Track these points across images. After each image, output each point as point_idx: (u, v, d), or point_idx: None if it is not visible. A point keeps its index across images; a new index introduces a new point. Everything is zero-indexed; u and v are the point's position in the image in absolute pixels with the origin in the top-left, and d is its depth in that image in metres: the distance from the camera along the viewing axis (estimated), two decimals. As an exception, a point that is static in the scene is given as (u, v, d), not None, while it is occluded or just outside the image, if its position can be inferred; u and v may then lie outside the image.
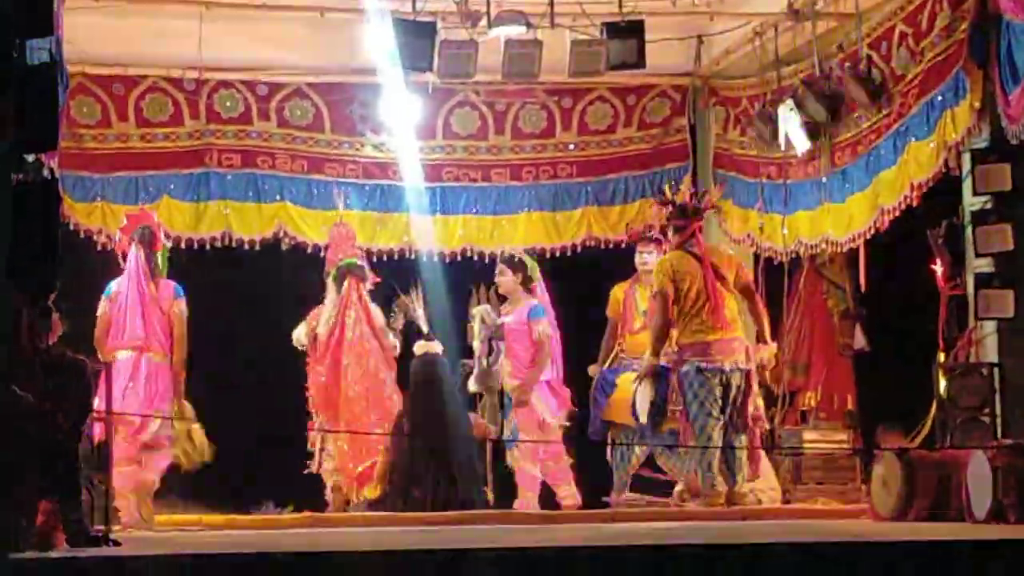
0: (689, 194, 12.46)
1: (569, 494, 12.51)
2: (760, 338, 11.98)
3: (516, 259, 12.83)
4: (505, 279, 12.74)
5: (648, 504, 12.12)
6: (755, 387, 11.74)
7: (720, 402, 11.49)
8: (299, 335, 12.58)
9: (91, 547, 7.46)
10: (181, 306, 11.78)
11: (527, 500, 12.45)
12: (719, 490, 11.40)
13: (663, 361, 11.76)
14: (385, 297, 12.76)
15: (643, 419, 11.83)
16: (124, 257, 11.91)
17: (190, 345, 11.73)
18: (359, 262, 12.69)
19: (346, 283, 12.51)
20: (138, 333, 11.61)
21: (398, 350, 12.63)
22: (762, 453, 11.81)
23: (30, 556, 6.85)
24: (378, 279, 12.74)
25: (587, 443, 12.54)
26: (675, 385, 11.64)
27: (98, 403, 11.24)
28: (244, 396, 12.92)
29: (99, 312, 11.77)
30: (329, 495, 12.30)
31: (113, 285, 11.85)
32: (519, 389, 12.44)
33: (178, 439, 11.60)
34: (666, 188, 12.77)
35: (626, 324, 12.84)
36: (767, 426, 12.00)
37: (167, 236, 12.37)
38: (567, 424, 12.69)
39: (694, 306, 11.63)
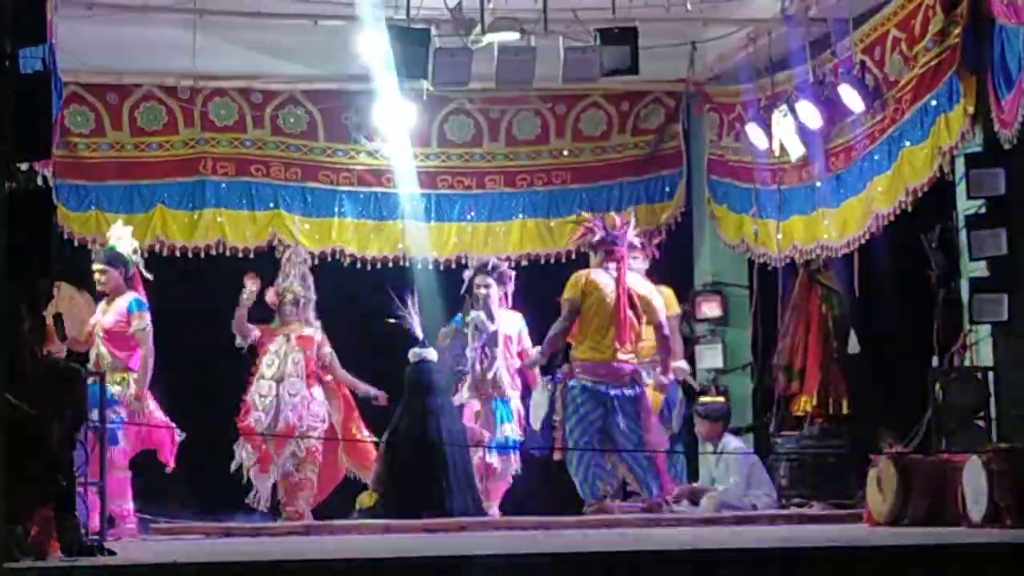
0: (619, 222, 12.44)
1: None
2: (663, 369, 12.05)
3: (498, 270, 12.85)
4: (492, 291, 12.75)
5: (642, 511, 12.10)
6: (645, 411, 11.82)
7: (597, 423, 11.62)
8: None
9: (86, 556, 7.44)
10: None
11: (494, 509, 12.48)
12: (601, 494, 11.57)
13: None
14: (382, 303, 12.75)
15: (536, 425, 11.91)
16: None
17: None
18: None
19: None
20: None
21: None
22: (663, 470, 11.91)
23: (25, 565, 6.84)
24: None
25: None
26: (559, 395, 11.75)
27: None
28: (229, 403, 12.87)
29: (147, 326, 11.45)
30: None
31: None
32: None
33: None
34: (585, 215, 12.82)
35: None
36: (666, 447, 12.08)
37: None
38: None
39: (597, 325, 11.70)
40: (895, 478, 10.15)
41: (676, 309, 12.86)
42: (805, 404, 13.19)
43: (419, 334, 12.49)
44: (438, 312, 13.12)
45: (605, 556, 7.06)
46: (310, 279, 12.71)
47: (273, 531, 11.14)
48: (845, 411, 13.10)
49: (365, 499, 12.06)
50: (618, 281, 11.87)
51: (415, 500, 11.64)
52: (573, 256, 14.11)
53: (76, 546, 7.53)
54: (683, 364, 12.91)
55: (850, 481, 12.26)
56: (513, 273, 13.05)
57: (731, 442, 12.64)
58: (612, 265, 11.98)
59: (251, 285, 12.40)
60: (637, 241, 12.38)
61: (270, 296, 12.54)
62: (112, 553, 7.68)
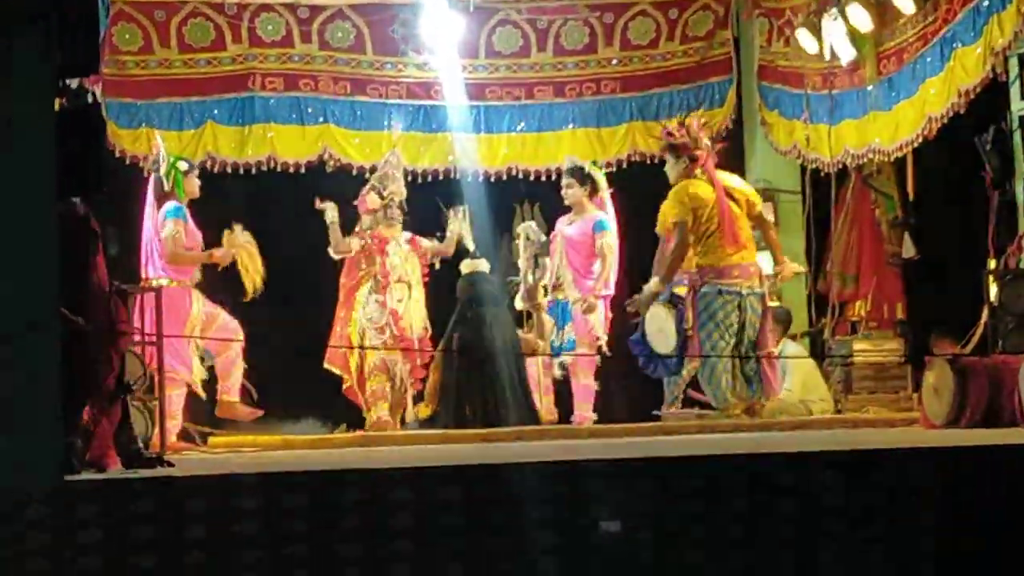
0: (699, 124, 12.28)
1: (586, 417, 12.45)
2: (776, 260, 11.84)
3: (583, 170, 12.76)
4: (572, 191, 12.67)
5: (698, 417, 12.08)
6: (765, 308, 11.64)
7: (735, 325, 11.44)
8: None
9: (145, 468, 7.50)
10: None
11: (583, 412, 12.43)
12: (732, 401, 11.37)
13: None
14: (431, 216, 12.75)
15: (667, 348, 11.68)
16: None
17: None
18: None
19: None
20: None
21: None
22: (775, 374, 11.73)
23: (85, 477, 6.90)
24: None
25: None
26: (690, 304, 11.53)
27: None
28: (291, 316, 12.92)
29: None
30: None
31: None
32: (585, 300, 12.42)
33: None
34: (672, 123, 12.62)
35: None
36: (775, 350, 11.85)
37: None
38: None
39: (711, 230, 11.49)
40: (951, 381, 10.10)
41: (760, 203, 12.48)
42: (860, 309, 13.17)
43: (471, 246, 12.50)
44: (488, 224, 13.11)
45: (656, 462, 7.06)
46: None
47: (331, 442, 11.20)
48: (900, 315, 13.07)
49: (421, 410, 12.13)
50: (714, 184, 11.68)
51: (470, 410, 11.69)
52: (624, 165, 14.09)
53: (135, 459, 7.58)
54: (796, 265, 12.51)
55: (906, 385, 12.27)
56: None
57: (789, 347, 12.60)
58: (699, 170, 11.75)
59: (331, 210, 12.33)
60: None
61: (372, 202, 12.47)
62: (171, 465, 7.75)
